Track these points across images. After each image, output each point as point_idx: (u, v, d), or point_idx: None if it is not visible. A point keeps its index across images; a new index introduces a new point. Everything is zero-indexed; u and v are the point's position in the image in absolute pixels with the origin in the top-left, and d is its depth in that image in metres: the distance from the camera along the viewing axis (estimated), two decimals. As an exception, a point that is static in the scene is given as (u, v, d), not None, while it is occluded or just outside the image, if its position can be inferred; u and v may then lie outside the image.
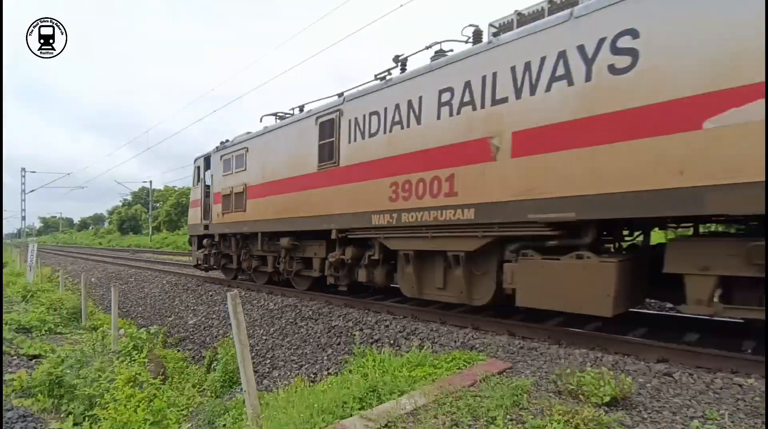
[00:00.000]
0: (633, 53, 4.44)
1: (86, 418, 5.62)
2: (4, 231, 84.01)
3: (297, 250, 9.44)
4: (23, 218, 50.66)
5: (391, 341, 6.29)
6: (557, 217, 4.97)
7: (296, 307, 8.58)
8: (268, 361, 7.32)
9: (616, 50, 4.55)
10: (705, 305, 4.35)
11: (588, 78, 4.74)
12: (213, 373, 7.63)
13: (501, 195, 5.46)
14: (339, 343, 6.80)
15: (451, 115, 6.05)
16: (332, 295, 8.68)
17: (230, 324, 7.94)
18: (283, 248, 9.58)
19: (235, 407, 5.79)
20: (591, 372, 3.71)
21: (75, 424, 5.56)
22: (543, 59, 5.09)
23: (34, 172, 58.13)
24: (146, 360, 7.16)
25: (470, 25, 6.42)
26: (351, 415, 3.48)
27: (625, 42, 4.50)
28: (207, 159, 12.73)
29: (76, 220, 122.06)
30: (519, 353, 5.08)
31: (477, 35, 6.38)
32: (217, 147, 12.16)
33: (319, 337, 7.20)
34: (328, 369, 6.25)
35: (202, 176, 13.12)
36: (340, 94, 8.14)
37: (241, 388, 4.75)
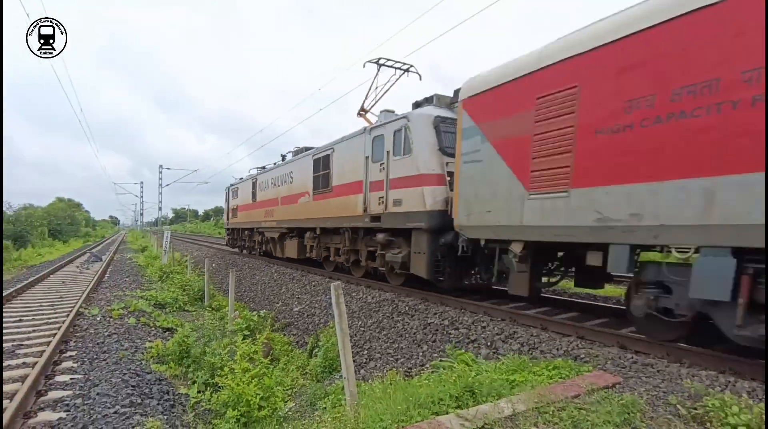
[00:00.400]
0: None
1: (207, 387, 6.33)
2: (146, 219, 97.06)
3: (251, 236, 20.57)
4: (159, 209, 58.24)
5: (488, 343, 6.15)
6: (282, 226, 15.56)
7: (393, 301, 8.75)
8: (366, 352, 7.57)
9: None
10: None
11: (287, 183, 15.22)
12: (314, 358, 8.10)
13: (281, 217, 15.59)
14: (435, 341, 6.81)
15: (273, 187, 16.55)
16: (428, 291, 8.73)
17: (331, 314, 8.31)
18: (247, 235, 21.39)
19: (334, 392, 6.08)
20: (722, 396, 3.29)
21: (198, 392, 6.29)
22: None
23: (169, 168, 66.55)
24: (265, 340, 7.86)
25: (282, 154, 17.59)
26: (447, 413, 3.47)
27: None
28: (227, 189, 24.51)
29: (201, 211, 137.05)
30: (631, 368, 4.65)
31: (299, 151, 15.71)
32: (231, 183, 23.94)
33: (414, 333, 7.28)
34: (423, 365, 6.30)
35: (227, 198, 24.80)
36: (263, 167, 19.57)
37: (340, 375, 4.98)
